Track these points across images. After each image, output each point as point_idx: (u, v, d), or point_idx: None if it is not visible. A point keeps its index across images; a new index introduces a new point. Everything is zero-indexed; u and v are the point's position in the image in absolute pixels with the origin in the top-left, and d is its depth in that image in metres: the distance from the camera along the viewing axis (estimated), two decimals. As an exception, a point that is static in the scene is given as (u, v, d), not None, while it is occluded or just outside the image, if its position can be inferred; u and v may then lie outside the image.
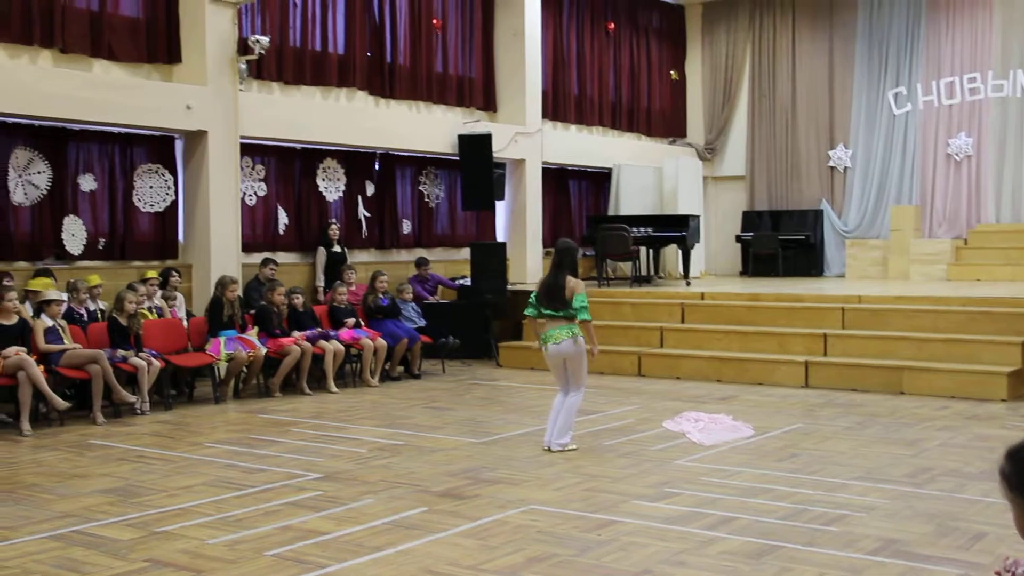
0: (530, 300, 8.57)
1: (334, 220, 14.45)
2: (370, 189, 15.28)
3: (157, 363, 10.43)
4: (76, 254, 11.89)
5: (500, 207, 17.08)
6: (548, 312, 8.33)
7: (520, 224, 17.13)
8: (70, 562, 5.51)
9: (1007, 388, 10.90)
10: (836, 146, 19.92)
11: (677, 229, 16.74)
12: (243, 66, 12.76)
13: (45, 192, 11.64)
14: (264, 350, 11.32)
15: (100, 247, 12.15)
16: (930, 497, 6.82)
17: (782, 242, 19.48)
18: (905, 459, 8.04)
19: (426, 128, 15.62)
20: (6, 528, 6.18)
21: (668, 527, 6.13)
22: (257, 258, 13.32)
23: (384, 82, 15.31)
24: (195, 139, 12.65)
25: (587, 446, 8.57)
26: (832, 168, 20.03)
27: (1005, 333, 11.63)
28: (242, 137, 12.96)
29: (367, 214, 15.20)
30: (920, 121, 18.97)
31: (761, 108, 20.82)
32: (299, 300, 12.06)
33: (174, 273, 12.16)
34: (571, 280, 8.29)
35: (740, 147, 21.18)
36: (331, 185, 14.74)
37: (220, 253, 12.64)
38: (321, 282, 14.00)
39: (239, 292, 11.74)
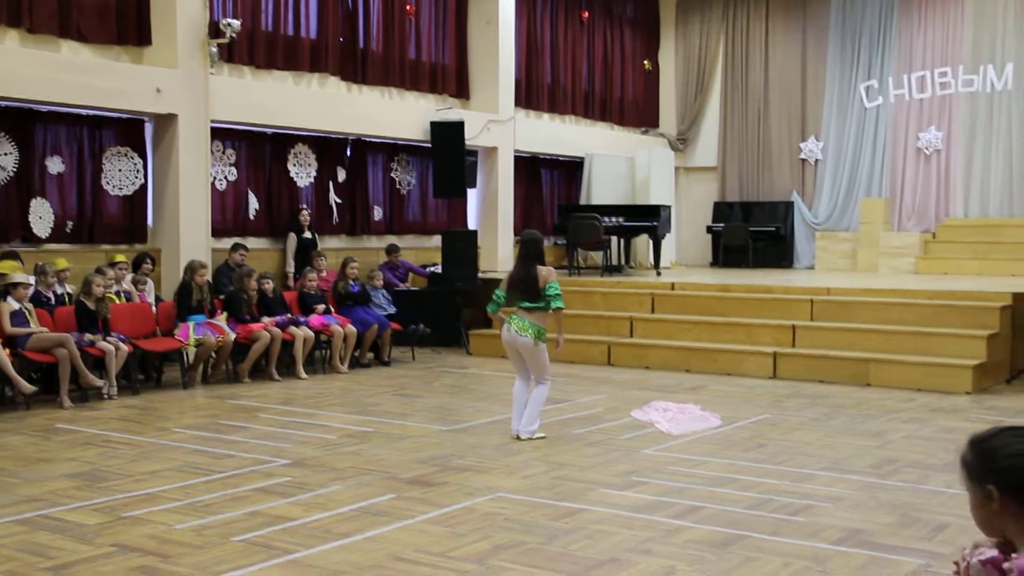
0: (495, 295, 8.51)
1: (305, 206, 14.41)
2: (341, 175, 15.24)
3: (125, 347, 10.38)
4: (43, 237, 11.80)
5: (472, 195, 17.08)
6: (526, 305, 8.32)
7: (491, 212, 17.14)
8: (36, 546, 5.50)
9: (972, 381, 11.04)
10: (807, 138, 20.05)
11: (648, 219, 16.80)
12: (214, 49, 12.69)
13: (12, 174, 11.54)
14: (233, 335, 11.29)
15: (68, 230, 12.06)
16: (894, 488, 6.91)
17: (753, 233, 19.61)
18: (870, 450, 8.14)
19: (398, 114, 15.59)
20: (-29, 512, 6.15)
21: (635, 516, 6.18)
22: (227, 243, 13.26)
23: (356, 68, 15.26)
24: (165, 122, 12.57)
25: (555, 434, 8.61)
26: (803, 160, 20.16)
27: (971, 327, 11.77)
28: (213, 121, 12.89)
29: (338, 200, 15.16)
30: (891, 114, 19.13)
31: (733, 99, 20.92)
32: (269, 286, 12.03)
33: (147, 259, 12.10)
34: (542, 269, 8.31)
35: (712, 138, 21.28)
36: (302, 171, 14.70)
37: (189, 237, 12.58)
38: (291, 268, 13.96)
39: (208, 277, 11.69)
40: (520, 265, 8.43)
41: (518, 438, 8.41)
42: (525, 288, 8.31)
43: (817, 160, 19.99)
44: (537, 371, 8.40)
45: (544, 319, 8.31)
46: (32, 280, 10.52)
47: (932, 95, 18.75)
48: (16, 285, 9.92)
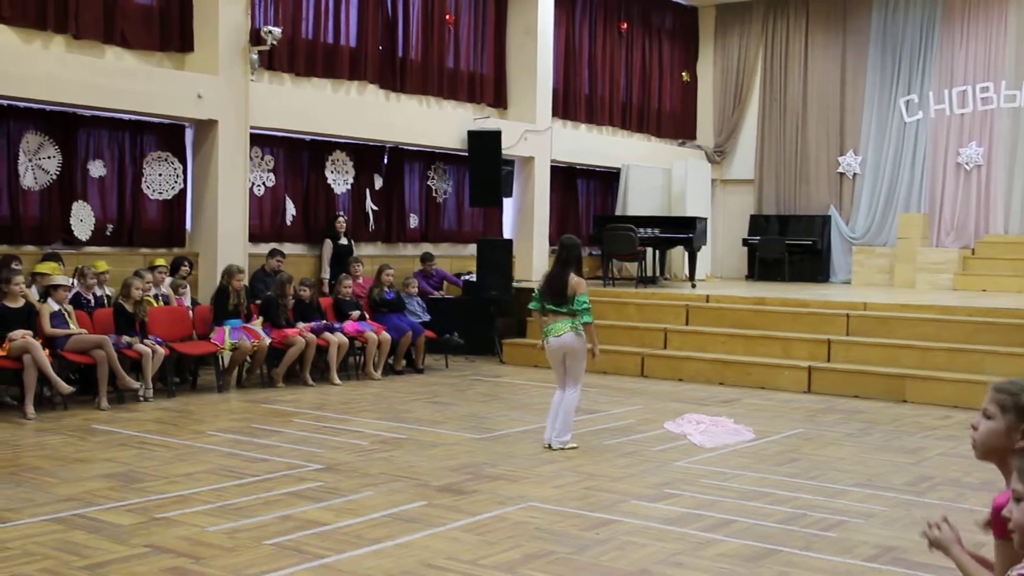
0: (533, 294, 8.59)
1: (341, 213, 14.48)
2: (378, 182, 15.30)
3: (161, 350, 10.47)
4: (84, 239, 11.93)
5: (507, 204, 17.09)
6: (551, 307, 8.35)
7: (527, 222, 17.15)
8: (71, 545, 5.55)
9: (1010, 399, 10.88)
10: (846, 152, 19.90)
11: (684, 231, 16.75)
12: (255, 56, 12.79)
13: (54, 177, 11.68)
14: (268, 340, 11.35)
15: (108, 233, 12.19)
16: (929, 506, 6.83)
17: (789, 247, 19.48)
18: (905, 467, 8.06)
19: (436, 123, 15.64)
20: (8, 510, 6.22)
21: (666, 528, 6.15)
22: (264, 248, 13.35)
23: (395, 76, 15.33)
24: (205, 128, 12.68)
25: (588, 445, 8.60)
26: (841, 174, 20.01)
27: (1010, 344, 11.64)
28: (252, 127, 12.99)
29: (374, 207, 15.23)
30: (931, 129, 18.94)
31: (771, 112, 20.80)
32: (307, 292, 12.08)
33: (186, 263, 12.20)
34: (574, 278, 8.31)
35: (749, 151, 21.17)
36: (339, 177, 14.77)
37: (227, 242, 12.68)
38: (327, 274, 14.02)
39: (245, 282, 11.76)
40: (555, 266, 8.47)
41: (550, 447, 8.41)
42: (555, 289, 8.32)
43: (855, 174, 19.83)
44: (574, 371, 8.38)
45: (574, 318, 8.30)
46: (72, 282, 10.64)
47: (973, 110, 18.56)
48: (56, 287, 10.03)
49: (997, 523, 2.69)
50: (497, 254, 14.81)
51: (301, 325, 11.72)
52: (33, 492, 6.67)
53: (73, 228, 11.83)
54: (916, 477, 7.71)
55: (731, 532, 6.08)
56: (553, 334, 8.33)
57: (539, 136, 17.01)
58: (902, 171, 19.24)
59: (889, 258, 18.63)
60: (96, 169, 12.09)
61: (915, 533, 6.14)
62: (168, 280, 11.72)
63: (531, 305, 8.65)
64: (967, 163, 18.58)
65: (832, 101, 20.07)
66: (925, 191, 18.99)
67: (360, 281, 13.32)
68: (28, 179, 11.47)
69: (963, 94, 18.64)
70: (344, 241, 14.22)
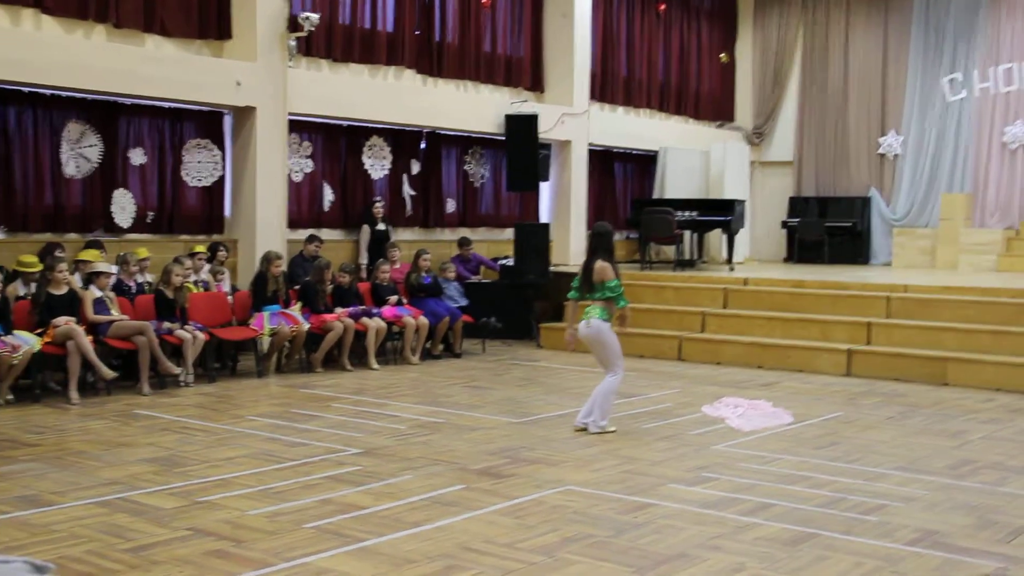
0: (573, 284, 8.63)
1: (379, 198, 14.52)
2: (415, 167, 15.33)
3: (202, 336, 10.57)
4: (125, 227, 12.06)
5: (544, 188, 17.08)
6: (587, 296, 8.41)
7: (564, 206, 17.13)
8: (115, 528, 5.64)
9: (1054, 382, 10.79)
10: (887, 132, 19.68)
11: (722, 214, 16.67)
12: (292, 43, 12.85)
13: (96, 165, 11.82)
14: (307, 325, 11.43)
15: (148, 220, 12.31)
16: (971, 490, 6.79)
17: (828, 229, 19.31)
18: (947, 450, 8.00)
19: (473, 107, 15.64)
20: (55, 493, 6.34)
21: (704, 511, 6.15)
22: (302, 234, 13.44)
23: (432, 61, 15.34)
24: (244, 115, 12.76)
25: (625, 429, 8.60)
26: (882, 155, 19.79)
27: (1054, 326, 11.50)
28: (290, 114, 13.05)
29: (412, 192, 15.26)
30: (975, 108, 18.68)
31: (811, 93, 20.60)
32: (346, 278, 12.15)
33: (222, 248, 12.31)
34: (598, 264, 8.34)
35: (788, 132, 20.99)
36: (377, 163, 14.82)
37: (266, 228, 12.77)
38: (364, 259, 14.08)
39: (284, 268, 11.85)
40: (587, 256, 8.55)
41: (584, 430, 8.42)
42: (585, 279, 8.43)
43: (896, 155, 19.60)
44: (604, 359, 8.41)
45: (610, 307, 8.34)
46: (114, 269, 10.78)
47: (1020, 88, 18.25)
48: (99, 274, 10.17)
49: None
50: (534, 238, 14.81)
51: (339, 310, 11.79)
52: (78, 476, 6.78)
53: (114, 216, 11.97)
54: (957, 460, 7.65)
55: (770, 516, 6.07)
56: (583, 319, 8.40)
57: (576, 119, 16.96)
58: (945, 151, 19.00)
59: (931, 239, 18.42)
60: (136, 157, 12.21)
61: (957, 517, 6.11)
62: (207, 266, 11.83)
63: (569, 295, 8.67)
64: (1012, 142, 18.32)
65: (873, 81, 19.84)
66: (969, 171, 18.75)
67: (397, 266, 13.36)
68: (70, 168, 11.61)
69: (1009, 72, 18.34)
70: (381, 226, 14.27)
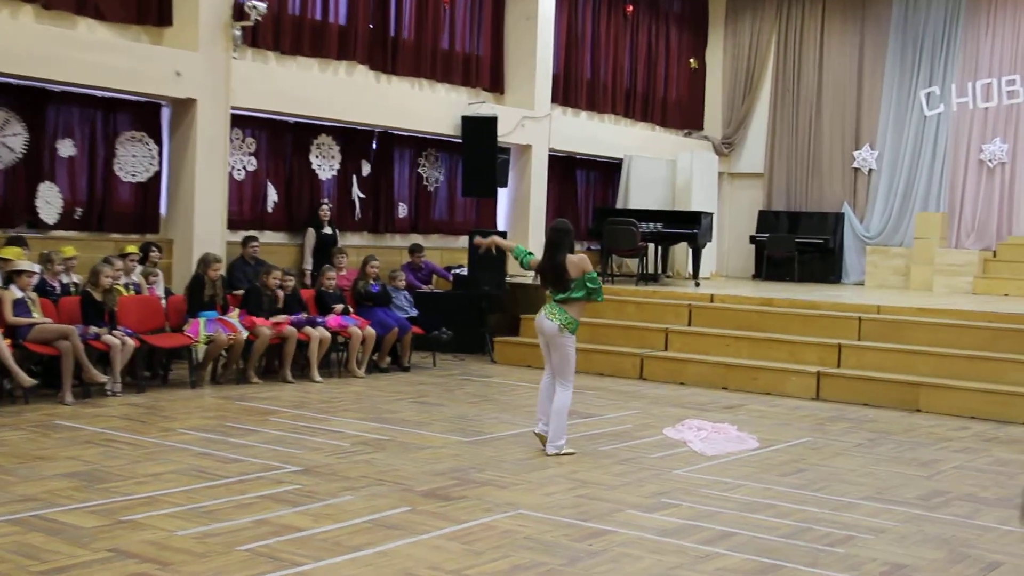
0: (520, 250, 8.72)
1: (326, 200, 14.44)
2: (366, 169, 15.27)
3: (131, 342, 10.42)
4: (51, 223, 11.88)
5: (502, 195, 17.07)
6: (559, 296, 8.36)
7: (523, 213, 17.13)
8: (30, 548, 5.52)
9: (1030, 410, 10.92)
10: (862, 146, 19.90)
11: (688, 226, 16.74)
12: (238, 32, 12.74)
13: (20, 156, 11.62)
14: (245, 333, 11.32)
15: (76, 217, 12.14)
16: (943, 522, 6.83)
17: (799, 245, 19.47)
18: (918, 480, 8.05)
19: (428, 107, 15.60)
20: (-37, 509, 6.19)
21: (663, 540, 6.13)
22: (243, 236, 13.29)
23: (386, 57, 15.29)
24: (183, 107, 12.64)
25: (582, 451, 8.58)
26: (856, 170, 20.01)
27: (1031, 352, 11.65)
28: (233, 108, 12.95)
29: (361, 195, 15.19)
30: (953, 124, 18.94)
31: (784, 102, 20.80)
32: (289, 283, 12.05)
33: (154, 248, 12.16)
34: (573, 257, 8.32)
35: (759, 143, 21.17)
36: (325, 163, 14.74)
37: (204, 229, 12.64)
38: (309, 265, 13.99)
39: (222, 271, 11.73)
40: (546, 255, 8.43)
41: (541, 439, 8.39)
42: (554, 279, 8.34)
43: (871, 170, 19.83)
44: (560, 366, 8.39)
45: (580, 311, 8.37)
46: (37, 268, 10.58)
47: (998, 104, 18.55)
48: (20, 272, 9.99)
49: None
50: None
51: (281, 318, 11.67)
52: (-9, 490, 6.64)
53: (39, 211, 11.78)
54: (929, 491, 7.70)
55: (732, 545, 6.07)
56: (546, 312, 8.35)
57: (537, 123, 16.98)
58: (921, 167, 19.24)
59: (905, 259, 18.63)
60: (65, 148, 12.04)
61: (928, 550, 6.14)
62: (139, 268, 11.68)
63: (523, 260, 8.63)
64: (990, 160, 18.59)
65: (848, 92, 20.07)
66: (945, 189, 19.00)
67: (344, 273, 13.27)
68: (-7, 158, 11.44)
69: (988, 87, 18.63)
70: (328, 230, 14.18)
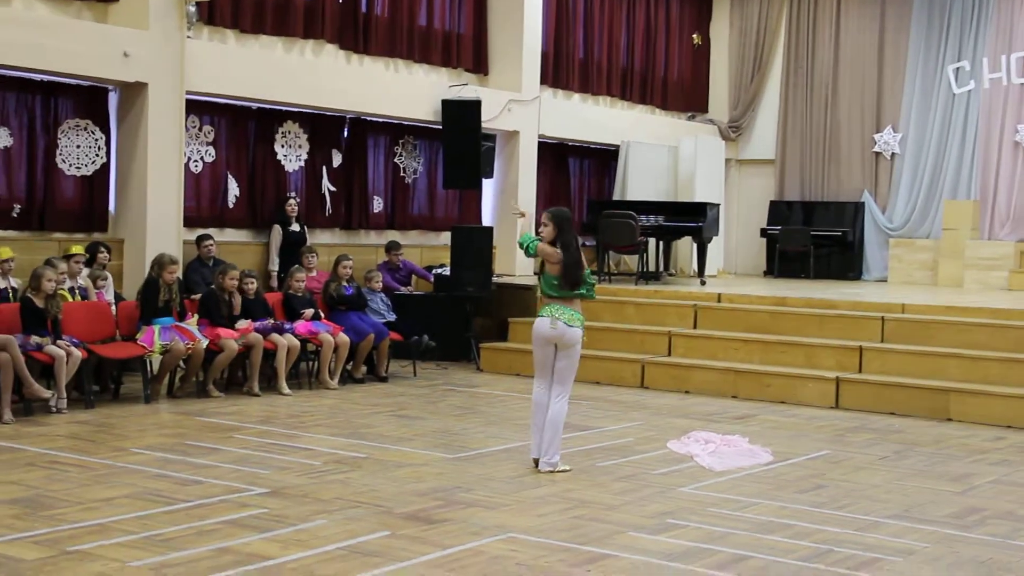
0: (528, 238, 8.60)
1: (293, 194, 14.43)
2: (337, 159, 15.26)
3: (78, 353, 10.39)
4: (-14, 222, 11.88)
5: (487, 186, 17.07)
6: (566, 293, 8.39)
7: (510, 206, 17.10)
8: (-34, 582, 5.50)
9: (1071, 418, 10.96)
10: (883, 129, 19.95)
11: (693, 219, 16.76)
12: (192, 8, 12.71)
13: (-47, 148, 11.62)
14: (205, 342, 11.30)
15: (14, 215, 12.11)
16: (978, 542, 6.85)
17: (815, 238, 19.51)
18: (950, 497, 8.07)
19: (405, 91, 15.59)
20: None
21: (669, 564, 6.14)
22: (198, 235, 13.27)
23: (358, 35, 15.28)
24: (132, 92, 12.62)
25: (579, 467, 8.58)
26: (877, 154, 20.07)
27: (1071, 353, 11.70)
28: (188, 92, 12.93)
29: (332, 188, 15.19)
30: (984, 102, 18.98)
31: (796, 81, 20.84)
32: (251, 286, 12.03)
33: (102, 248, 12.14)
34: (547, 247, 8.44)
35: (770, 126, 21.21)
36: (291, 153, 14.73)
37: (158, 227, 12.61)
38: (275, 266, 13.99)
39: (179, 274, 11.70)
40: (562, 245, 8.34)
41: (537, 464, 8.41)
42: (574, 274, 8.33)
43: (894, 154, 19.88)
44: (566, 374, 8.42)
45: (578, 313, 8.44)
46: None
47: (1034, 80, 18.62)
48: (-47, 277, 9.96)
49: None
50: (475, 244, 14.78)
51: (243, 323, 11.65)
52: (-77, 519, 6.62)
53: (-26, 208, 11.77)
54: (963, 508, 7.72)
55: (745, 570, 6.07)
56: (564, 320, 8.29)
57: (525, 107, 16.99)
58: (949, 151, 19.29)
59: (932, 252, 18.69)
60: (1, 139, 12.01)
61: (962, 573, 6.15)
62: (86, 271, 11.65)
63: (529, 247, 8.55)
64: (1026, 142, 18.67)
65: (868, 69, 20.11)
66: (976, 174, 19.04)
67: (314, 274, 13.28)
68: (-79, 150, 11.41)
69: (1023, 61, 18.67)
70: (296, 227, 14.18)
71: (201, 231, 13.37)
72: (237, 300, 11.83)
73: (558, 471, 8.37)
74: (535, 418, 8.52)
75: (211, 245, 12.96)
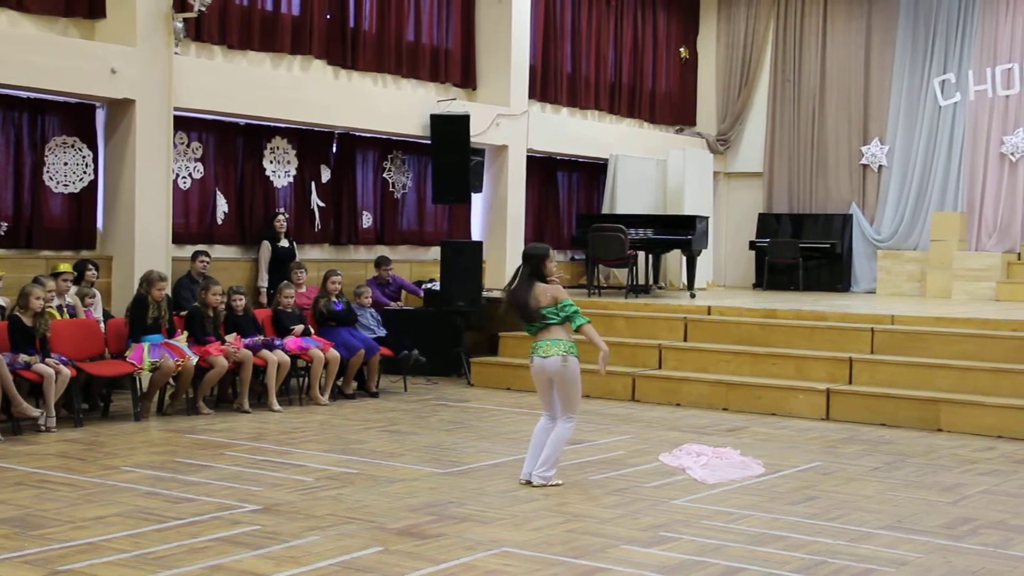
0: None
1: (282, 210, 14.42)
2: (325, 175, 15.27)
3: (67, 371, 10.36)
4: (-26, 240, 11.86)
5: (477, 200, 17.09)
6: (533, 327, 8.44)
7: (499, 221, 17.14)
8: (-43, 601, 5.48)
9: (1062, 427, 10.99)
10: (870, 141, 20.02)
11: (681, 232, 16.78)
12: (179, 25, 12.73)
13: (-60, 166, 11.60)
14: (195, 359, 11.28)
15: (1, 233, 12.09)
16: (971, 552, 6.86)
17: (803, 251, 19.55)
18: (942, 507, 8.08)
19: (393, 106, 15.61)
20: None
21: (664, 578, 6.14)
22: (190, 251, 13.27)
23: (346, 50, 15.30)
24: (120, 109, 12.61)
25: (571, 481, 8.58)
26: (865, 166, 20.13)
27: (1061, 363, 11.74)
28: (176, 108, 12.93)
29: (321, 204, 15.18)
30: (970, 114, 19.06)
31: (784, 94, 20.90)
32: (240, 302, 12.02)
33: (90, 266, 12.11)
34: (539, 287, 8.39)
35: (758, 139, 21.26)
36: (280, 169, 14.73)
37: (146, 244, 12.60)
38: (265, 282, 13.96)
39: (168, 291, 11.68)
40: (519, 286, 8.50)
41: (528, 483, 8.40)
42: (517, 309, 8.46)
43: (881, 166, 19.95)
44: (565, 401, 8.43)
45: (568, 332, 8.41)
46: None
47: (1021, 91, 18.68)
48: (-59, 295, 9.94)
49: None
50: (464, 258, 14.79)
51: (231, 338, 11.63)
52: (-88, 539, 6.59)
53: (-38, 227, 11.75)
54: (954, 519, 7.73)
55: (740, 582, 6.08)
56: (539, 354, 8.37)
57: (513, 121, 17.01)
58: (936, 163, 19.36)
59: (920, 264, 18.75)
60: (-12, 157, 12.03)
61: (954, 583, 6.16)
62: (74, 288, 11.61)
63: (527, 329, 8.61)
64: (1012, 153, 18.73)
65: (855, 81, 20.18)
66: (963, 186, 19.11)
67: (303, 290, 13.26)
68: (-92, 168, 11.39)
69: (1008, 73, 18.77)
70: (285, 243, 14.16)
71: (191, 248, 13.36)
72: (221, 316, 11.80)
73: (551, 484, 8.38)
74: (533, 442, 8.53)
75: (206, 261, 12.94)
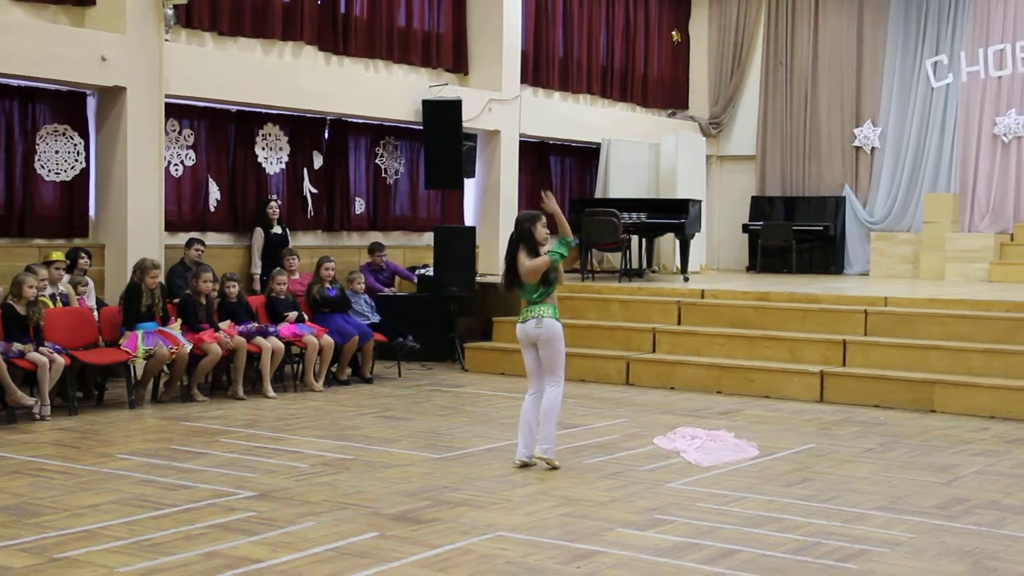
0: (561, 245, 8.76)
1: (274, 196, 14.41)
2: (317, 161, 15.25)
3: (61, 359, 10.36)
4: (-35, 229, 11.84)
5: (469, 185, 17.07)
6: (525, 295, 8.59)
7: (492, 206, 17.14)
8: (-46, 590, 5.49)
9: (1054, 407, 11.02)
10: (863, 123, 20.03)
11: (675, 216, 16.80)
12: (170, 11, 12.69)
13: (-69, 155, 11.58)
14: (189, 347, 11.28)
15: (-5, 221, 12.09)
16: (964, 532, 6.88)
17: (797, 233, 19.58)
18: (935, 487, 8.11)
19: (385, 91, 15.59)
20: None
21: (659, 560, 6.16)
22: (183, 238, 13.27)
23: (337, 36, 15.27)
24: (111, 96, 12.58)
25: (566, 465, 8.59)
26: (857, 148, 20.14)
27: (1053, 344, 11.77)
28: (167, 96, 12.90)
29: (313, 190, 15.17)
30: (963, 95, 19.07)
31: (776, 77, 20.89)
32: (233, 289, 12.02)
33: (83, 254, 12.10)
34: (525, 263, 8.50)
35: (751, 122, 21.27)
36: (272, 155, 14.71)
37: (139, 232, 12.58)
38: (258, 268, 13.96)
39: (161, 278, 11.68)
40: (507, 251, 8.75)
41: (524, 466, 8.41)
42: (508, 282, 8.67)
43: (874, 148, 19.96)
44: (549, 364, 8.47)
45: (554, 299, 8.56)
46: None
47: (1013, 72, 18.69)
48: (-66, 285, 9.93)
49: None
50: (457, 244, 14.78)
51: (225, 325, 11.63)
52: (-92, 528, 6.60)
53: (-47, 216, 11.73)
54: (948, 499, 7.76)
55: (735, 564, 6.10)
56: (521, 319, 8.56)
57: (505, 106, 16.99)
58: (929, 144, 19.37)
59: (913, 245, 18.77)
60: (-21, 146, 12.00)
61: (948, 564, 6.19)
62: (67, 277, 11.61)
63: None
64: (1005, 134, 18.74)
65: (847, 64, 20.18)
66: (956, 167, 19.13)
67: (297, 277, 13.26)
68: (-101, 158, 11.36)
69: (1000, 54, 18.77)
70: (278, 230, 14.15)
71: (184, 235, 13.35)
72: (214, 303, 11.80)
73: (548, 459, 8.40)
74: (523, 421, 8.56)
75: (200, 250, 12.92)
